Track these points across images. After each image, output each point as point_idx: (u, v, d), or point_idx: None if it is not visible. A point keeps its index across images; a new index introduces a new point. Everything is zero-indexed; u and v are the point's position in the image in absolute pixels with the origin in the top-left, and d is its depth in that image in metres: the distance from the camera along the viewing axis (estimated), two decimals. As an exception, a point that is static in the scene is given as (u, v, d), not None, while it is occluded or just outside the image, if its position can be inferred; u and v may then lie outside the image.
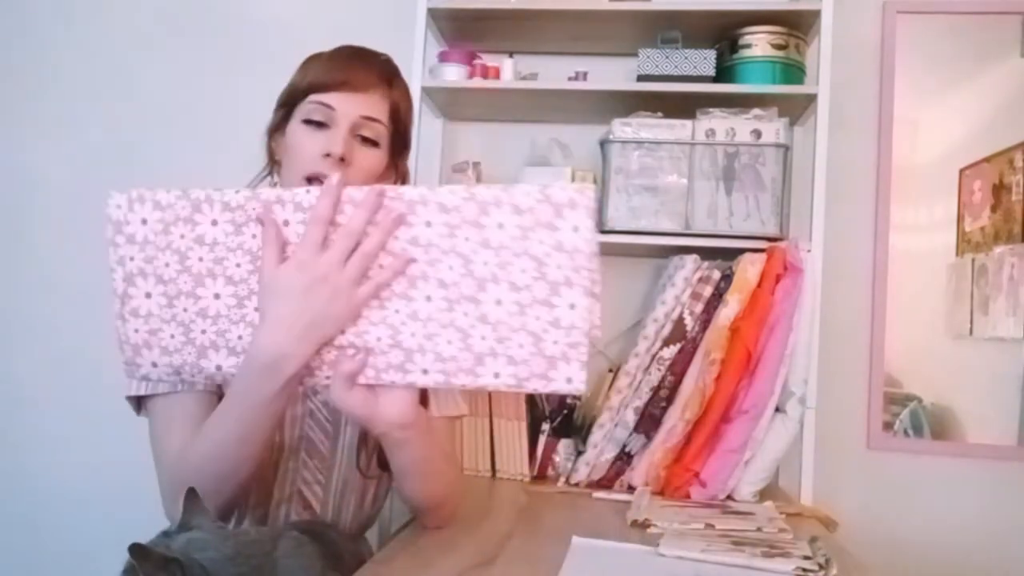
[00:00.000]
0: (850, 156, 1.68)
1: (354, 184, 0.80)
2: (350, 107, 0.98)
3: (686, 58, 1.52)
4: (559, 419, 1.53)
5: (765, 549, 1.00)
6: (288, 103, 1.02)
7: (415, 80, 1.53)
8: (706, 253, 1.45)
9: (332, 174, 0.79)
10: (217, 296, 0.81)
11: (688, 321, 1.39)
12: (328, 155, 0.95)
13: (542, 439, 1.49)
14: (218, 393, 0.93)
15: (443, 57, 1.61)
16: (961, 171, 1.67)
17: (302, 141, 0.98)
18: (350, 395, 0.78)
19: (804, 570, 0.92)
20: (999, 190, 1.64)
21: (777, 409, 1.37)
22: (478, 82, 1.59)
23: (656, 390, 1.39)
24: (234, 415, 0.82)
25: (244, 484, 0.89)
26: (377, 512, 1.14)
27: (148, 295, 0.82)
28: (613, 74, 1.71)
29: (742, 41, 1.53)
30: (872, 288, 1.68)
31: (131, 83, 1.94)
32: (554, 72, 1.67)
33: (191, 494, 0.79)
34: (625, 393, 1.40)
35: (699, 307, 1.40)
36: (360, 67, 1.00)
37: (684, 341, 1.39)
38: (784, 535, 1.09)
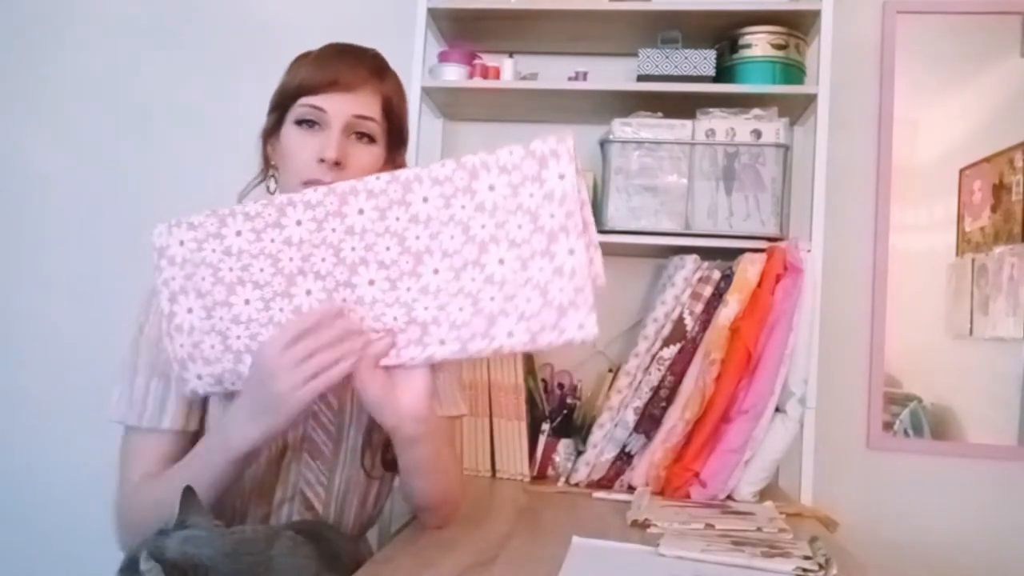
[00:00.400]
0: (850, 156, 1.68)
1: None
2: (342, 107, 0.97)
3: (686, 58, 1.52)
4: (559, 419, 1.53)
5: (765, 549, 1.00)
6: (280, 106, 1.01)
7: (415, 80, 1.53)
8: (706, 253, 1.45)
9: (327, 179, 0.85)
10: (247, 302, 0.85)
11: (688, 321, 1.39)
12: (323, 160, 0.95)
13: (542, 439, 1.49)
14: (191, 437, 0.99)
15: (443, 57, 1.61)
16: (961, 171, 1.67)
17: (296, 146, 0.98)
18: (373, 378, 0.82)
19: (804, 570, 0.92)
20: (999, 190, 1.64)
21: (777, 409, 1.37)
22: (478, 82, 1.59)
23: (656, 390, 1.39)
24: (188, 474, 0.87)
25: None
26: (379, 513, 1.14)
27: (190, 310, 0.86)
28: (613, 74, 1.70)
29: (742, 41, 1.53)
30: (872, 288, 1.68)
31: (131, 83, 1.94)
32: (554, 72, 1.67)
33: (188, 492, 0.79)
34: (625, 393, 1.41)
35: (699, 307, 1.40)
36: (348, 65, 0.99)
37: (684, 341, 1.39)
38: (784, 535, 1.09)
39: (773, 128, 1.46)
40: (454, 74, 1.59)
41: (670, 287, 1.43)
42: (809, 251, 1.41)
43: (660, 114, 1.51)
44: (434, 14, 1.58)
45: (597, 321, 0.78)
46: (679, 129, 1.48)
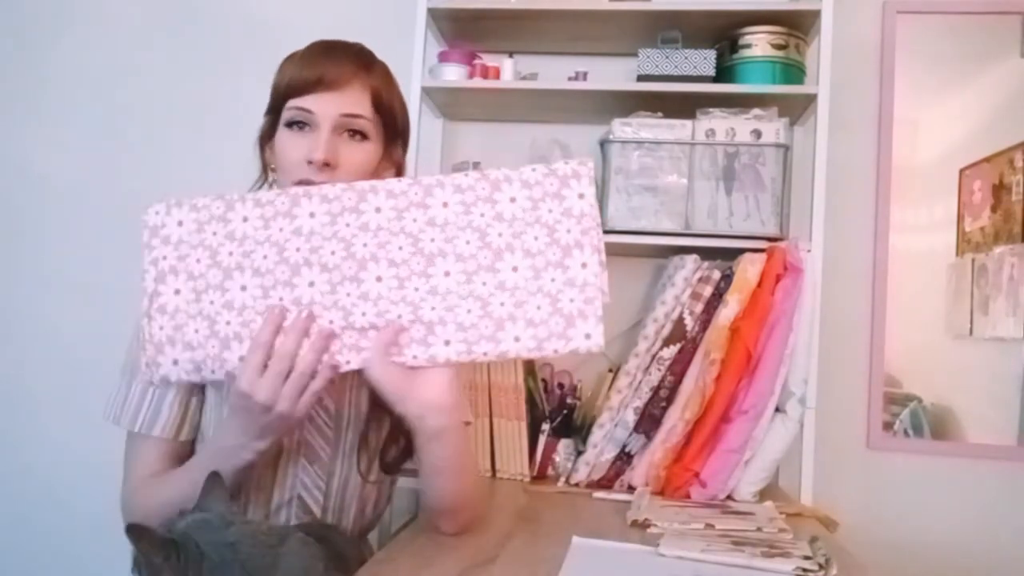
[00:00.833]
0: (850, 156, 1.68)
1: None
2: (329, 107, 0.96)
3: (686, 58, 1.52)
4: (559, 419, 1.53)
5: (765, 549, 1.00)
6: (272, 109, 1.01)
7: (415, 80, 1.53)
8: (706, 253, 1.45)
9: (318, 180, 0.85)
10: (244, 288, 0.84)
11: (688, 321, 1.39)
12: (311, 162, 0.95)
13: (542, 439, 1.49)
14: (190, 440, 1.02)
15: (443, 57, 1.61)
16: (961, 171, 1.67)
17: (287, 148, 0.98)
18: (387, 371, 0.82)
19: (804, 570, 0.92)
20: (999, 190, 1.64)
21: (777, 409, 1.37)
22: (478, 82, 1.59)
23: (656, 390, 1.39)
24: (189, 478, 0.87)
25: None
26: (379, 517, 1.13)
27: (177, 291, 0.85)
28: (613, 74, 1.70)
29: (742, 41, 1.53)
30: (872, 288, 1.68)
31: (132, 83, 1.94)
32: (554, 72, 1.67)
33: (213, 478, 0.81)
34: (625, 393, 1.40)
35: (699, 307, 1.40)
36: (332, 63, 0.98)
37: (684, 341, 1.39)
38: (784, 535, 1.09)
39: (773, 128, 1.46)
40: (454, 74, 1.59)
41: (670, 287, 1.43)
42: (809, 251, 1.41)
43: (660, 114, 1.51)
44: (434, 14, 1.58)
45: (603, 332, 0.82)
46: (679, 129, 1.48)
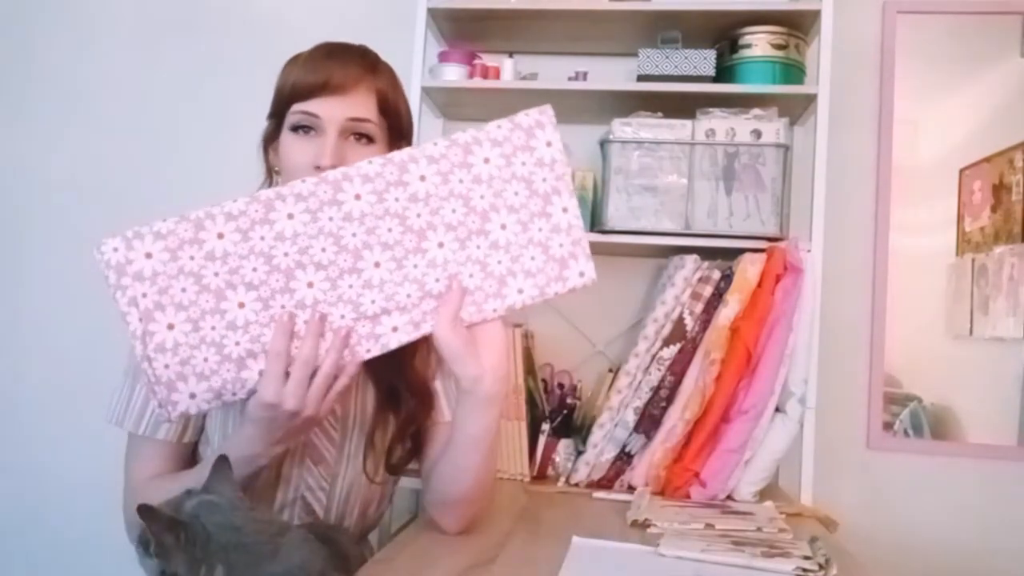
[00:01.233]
0: (850, 156, 1.68)
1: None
2: (335, 111, 0.95)
3: (686, 58, 1.52)
4: (559, 419, 1.53)
5: (765, 549, 1.00)
6: (276, 112, 1.00)
7: (415, 80, 1.54)
8: (706, 253, 1.45)
9: None
10: (241, 305, 0.82)
11: (688, 321, 1.39)
12: (319, 167, 0.93)
13: (542, 439, 1.49)
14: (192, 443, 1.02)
15: (443, 57, 1.61)
16: (961, 171, 1.67)
17: (293, 153, 0.97)
18: (455, 333, 0.84)
19: (804, 570, 0.92)
20: (999, 190, 1.64)
21: (777, 409, 1.37)
22: (478, 82, 1.59)
23: (656, 390, 1.39)
24: (197, 479, 0.86)
25: None
26: (380, 517, 1.13)
27: (171, 326, 0.80)
28: (613, 74, 1.71)
29: (742, 41, 1.53)
30: (872, 288, 1.68)
31: (132, 83, 1.94)
32: (554, 72, 1.67)
33: (221, 461, 0.81)
34: (625, 393, 1.40)
35: (699, 307, 1.40)
36: (338, 66, 0.97)
37: (684, 341, 1.39)
38: (784, 535, 1.09)
39: (773, 128, 1.46)
40: (454, 74, 1.59)
41: (670, 287, 1.43)
42: (809, 251, 1.41)
43: (660, 114, 1.51)
44: (434, 14, 1.58)
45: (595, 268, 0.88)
46: (679, 129, 1.48)
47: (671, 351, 1.39)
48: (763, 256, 1.38)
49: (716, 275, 1.41)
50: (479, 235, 0.86)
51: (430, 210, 0.85)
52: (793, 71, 1.53)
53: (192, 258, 0.81)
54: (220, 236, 0.82)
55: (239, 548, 0.75)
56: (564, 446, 1.48)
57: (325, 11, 1.89)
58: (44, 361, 1.92)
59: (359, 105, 0.97)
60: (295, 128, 0.97)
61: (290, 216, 0.83)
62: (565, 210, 0.87)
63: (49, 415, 1.91)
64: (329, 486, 1.02)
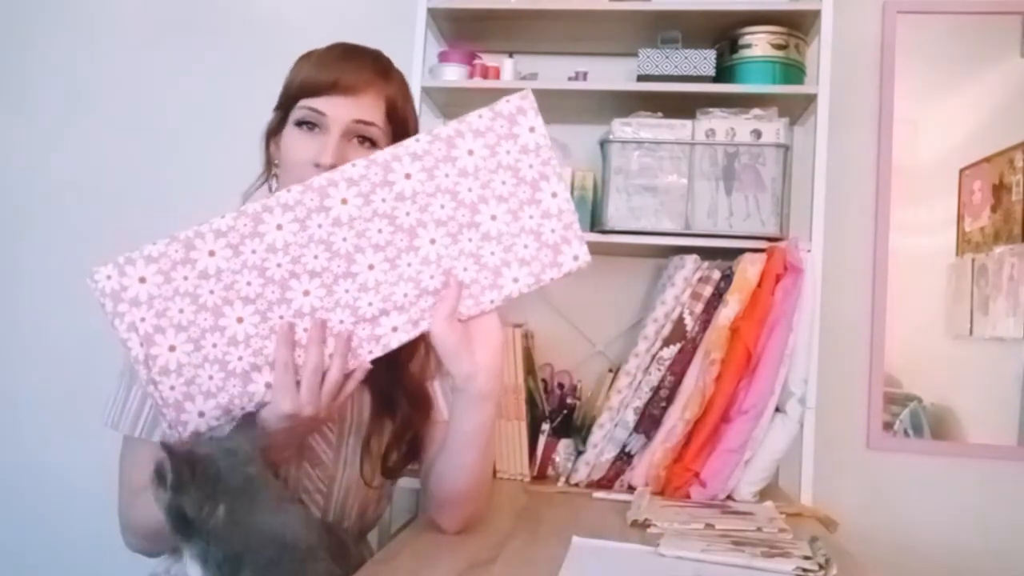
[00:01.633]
0: (850, 156, 1.68)
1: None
2: (341, 112, 0.95)
3: (686, 58, 1.52)
4: (559, 419, 1.53)
5: (765, 549, 1.00)
6: (282, 106, 1.00)
7: (415, 80, 1.53)
8: (706, 253, 1.45)
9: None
10: (240, 320, 0.82)
11: (688, 321, 1.39)
12: (318, 165, 0.93)
13: (542, 439, 1.49)
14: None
15: (443, 57, 1.61)
16: (961, 171, 1.67)
17: (295, 147, 0.97)
18: (451, 330, 0.84)
19: (804, 570, 0.92)
20: (999, 190, 1.64)
21: (777, 409, 1.37)
22: (478, 82, 1.59)
23: (656, 390, 1.39)
24: None
25: None
26: (379, 518, 1.13)
27: (172, 348, 0.81)
28: (613, 74, 1.71)
29: (742, 41, 1.53)
30: (872, 288, 1.68)
31: (132, 82, 1.94)
32: (554, 72, 1.67)
33: (247, 419, 0.83)
34: (625, 393, 1.40)
35: (699, 307, 1.40)
36: (350, 68, 0.97)
37: (684, 341, 1.39)
38: (784, 535, 1.09)
39: (773, 128, 1.46)
40: (454, 74, 1.59)
41: (670, 287, 1.43)
42: (809, 251, 1.41)
43: (660, 114, 1.51)
44: (434, 14, 1.58)
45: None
46: (679, 129, 1.48)
47: (671, 351, 1.39)
48: (763, 256, 1.38)
49: (716, 275, 1.41)
50: (470, 228, 0.86)
51: (418, 207, 0.85)
52: (793, 71, 1.53)
53: (186, 278, 0.81)
54: (211, 254, 0.82)
55: (243, 494, 0.76)
56: (564, 446, 1.48)
57: (325, 11, 1.89)
58: (44, 361, 1.92)
59: (366, 108, 0.97)
60: (300, 123, 0.97)
61: (279, 227, 0.83)
62: (554, 195, 0.87)
63: (49, 415, 1.91)
64: (327, 488, 1.02)
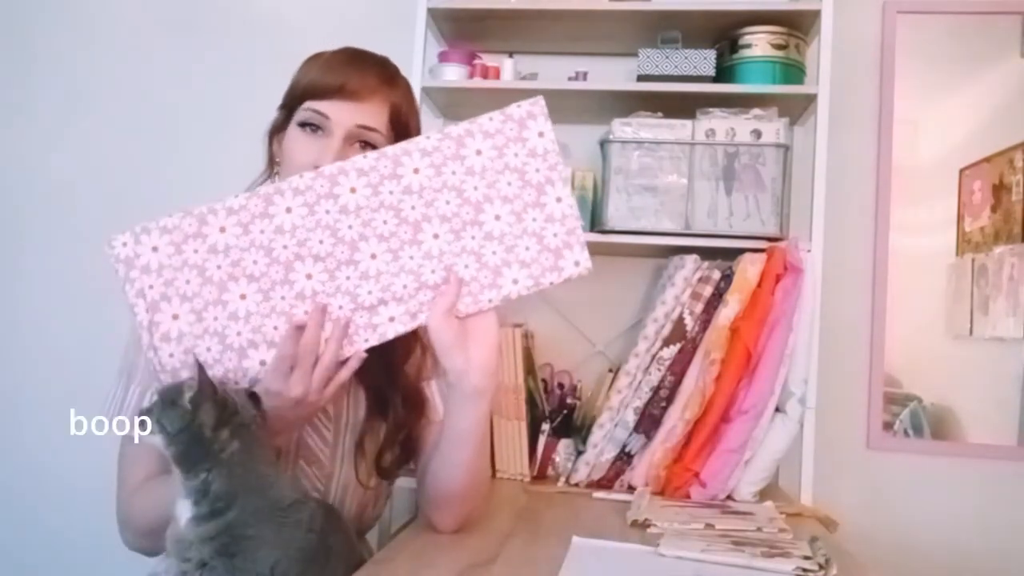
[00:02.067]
0: (850, 156, 1.68)
1: None
2: (345, 116, 0.96)
3: (686, 58, 1.52)
4: (559, 419, 1.53)
5: (765, 549, 1.00)
6: (287, 105, 1.01)
7: (415, 80, 1.53)
8: (706, 253, 1.45)
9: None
10: (243, 296, 0.85)
11: (688, 321, 1.39)
12: (317, 167, 0.92)
13: (542, 439, 1.49)
14: None
15: (443, 57, 1.61)
16: (961, 171, 1.67)
17: (297, 148, 0.98)
18: (447, 326, 0.84)
19: (804, 570, 0.92)
20: (999, 190, 1.64)
21: (777, 409, 1.37)
22: (478, 82, 1.59)
23: (656, 390, 1.39)
24: None
25: None
26: (376, 518, 1.13)
27: (175, 316, 0.84)
28: (613, 74, 1.71)
29: (742, 41, 1.53)
30: (872, 288, 1.68)
31: (132, 82, 1.94)
32: (554, 72, 1.67)
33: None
34: (625, 393, 1.40)
35: (699, 307, 1.40)
36: (356, 73, 0.97)
37: (684, 341, 1.39)
38: (784, 535, 1.09)
39: (773, 128, 1.46)
40: (454, 74, 1.59)
41: (670, 287, 1.43)
42: (809, 251, 1.41)
43: (660, 114, 1.51)
44: (434, 14, 1.58)
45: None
46: (679, 129, 1.48)
47: (671, 351, 1.39)
48: (763, 256, 1.38)
49: (716, 275, 1.41)
50: (473, 226, 0.86)
51: (424, 202, 0.86)
52: (793, 71, 1.53)
53: (196, 251, 0.84)
54: (222, 230, 0.85)
55: (254, 440, 0.79)
56: (564, 446, 1.48)
57: (325, 11, 1.89)
58: (44, 361, 1.92)
59: (370, 114, 0.97)
60: (303, 124, 0.98)
61: (288, 210, 0.85)
62: (559, 200, 0.88)
63: (49, 415, 1.90)
64: (324, 487, 1.02)
